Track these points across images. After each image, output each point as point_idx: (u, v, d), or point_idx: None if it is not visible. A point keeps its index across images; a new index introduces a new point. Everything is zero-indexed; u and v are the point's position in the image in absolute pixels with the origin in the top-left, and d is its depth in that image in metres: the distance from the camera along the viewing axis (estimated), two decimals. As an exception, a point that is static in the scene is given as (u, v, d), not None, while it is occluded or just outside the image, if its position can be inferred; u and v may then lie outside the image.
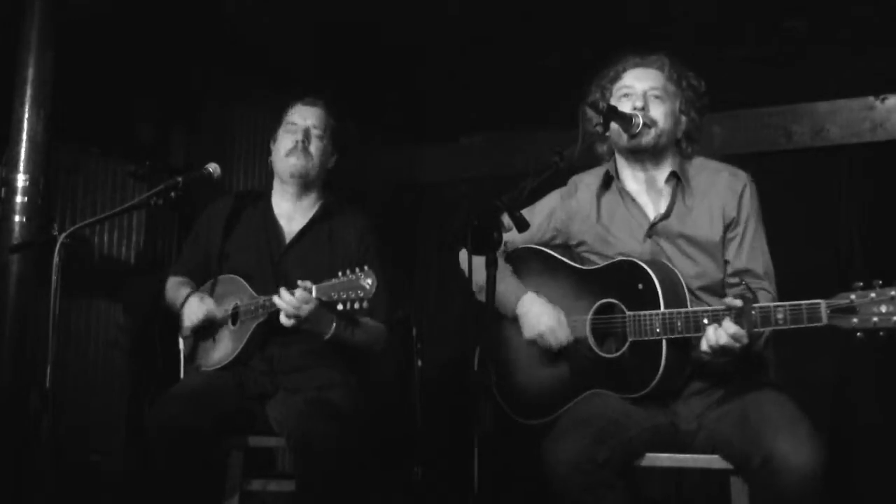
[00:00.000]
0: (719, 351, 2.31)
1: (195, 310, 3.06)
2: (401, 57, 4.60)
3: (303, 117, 3.17)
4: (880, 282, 2.11)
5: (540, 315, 2.62)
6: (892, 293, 2.08)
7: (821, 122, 4.35)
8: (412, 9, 4.15)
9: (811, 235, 4.12)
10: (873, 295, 2.10)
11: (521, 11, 4.15)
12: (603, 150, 2.79)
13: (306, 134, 3.13)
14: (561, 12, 4.10)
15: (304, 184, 3.16)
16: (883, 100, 4.23)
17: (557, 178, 2.60)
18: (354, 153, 3.45)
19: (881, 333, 2.09)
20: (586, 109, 2.54)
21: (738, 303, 2.28)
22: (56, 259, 2.79)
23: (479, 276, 2.22)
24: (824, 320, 2.15)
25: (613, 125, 2.59)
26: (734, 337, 2.28)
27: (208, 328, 3.11)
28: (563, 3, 4.03)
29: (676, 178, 2.64)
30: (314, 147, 3.14)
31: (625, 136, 2.60)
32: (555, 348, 2.60)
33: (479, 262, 2.17)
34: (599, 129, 2.51)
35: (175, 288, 3.22)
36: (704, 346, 2.33)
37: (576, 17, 4.12)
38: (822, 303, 2.16)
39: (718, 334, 2.29)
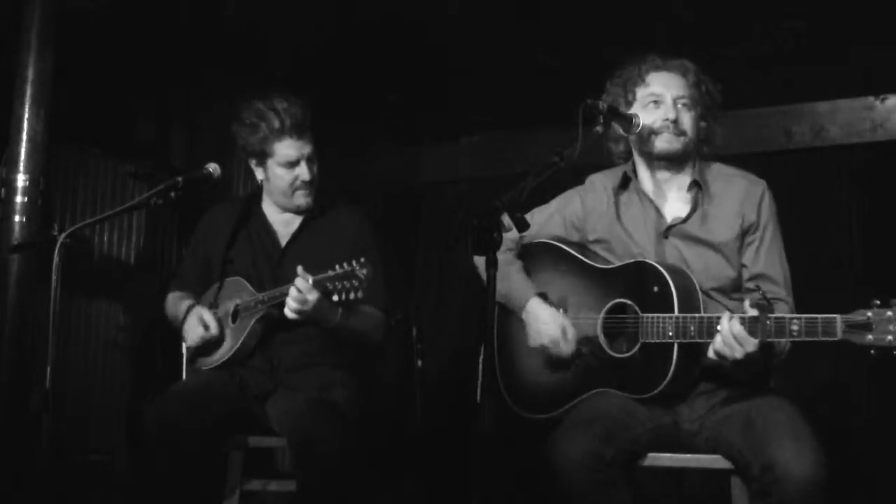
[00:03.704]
0: (724, 352, 2.30)
1: (194, 328, 3.05)
2: (401, 57, 4.60)
3: (298, 150, 3.04)
4: None
5: (543, 325, 2.63)
6: None
7: (821, 122, 4.34)
8: (412, 9, 4.15)
9: (811, 236, 4.11)
10: (890, 313, 2.10)
11: (520, 11, 4.15)
12: (619, 150, 2.79)
13: (309, 168, 3.06)
14: (561, 12, 4.10)
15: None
16: (883, 100, 4.22)
17: (557, 179, 2.60)
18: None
19: (894, 352, 2.09)
20: (586, 110, 2.53)
21: (754, 312, 2.28)
22: (56, 259, 2.79)
23: (498, 283, 2.20)
24: (839, 335, 2.15)
25: (616, 126, 2.60)
26: (738, 339, 2.28)
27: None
28: (562, 3, 4.04)
29: (698, 186, 2.64)
30: (315, 170, 3.10)
31: (634, 139, 2.61)
32: (554, 359, 2.61)
33: (482, 261, 2.17)
34: (600, 129, 2.51)
35: (175, 303, 3.22)
36: (710, 352, 2.34)
37: (575, 17, 4.12)
38: (839, 318, 2.16)
39: (724, 336, 2.30)
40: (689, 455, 2.51)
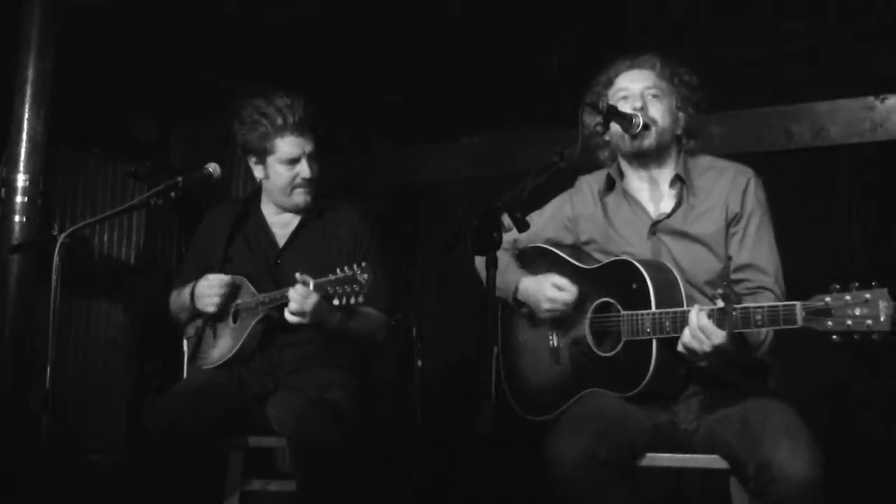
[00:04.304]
0: (693, 345, 2.30)
1: (207, 291, 3.02)
2: (401, 57, 4.60)
3: (300, 147, 3.04)
4: (856, 284, 2.08)
5: (537, 290, 2.64)
6: (867, 296, 2.05)
7: (821, 122, 4.35)
8: (412, 9, 4.15)
9: (811, 235, 4.12)
10: (848, 298, 2.07)
11: (521, 11, 4.15)
12: (605, 155, 2.80)
13: (311, 167, 3.06)
14: (561, 12, 4.10)
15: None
16: (883, 100, 4.23)
17: (557, 179, 2.61)
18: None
19: (856, 336, 2.06)
20: (586, 110, 2.54)
21: (720, 304, 2.27)
22: (56, 259, 2.79)
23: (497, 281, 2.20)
24: (799, 322, 2.13)
25: (614, 126, 2.61)
26: (705, 331, 2.27)
27: (211, 326, 3.10)
28: (563, 3, 4.04)
29: (681, 181, 2.65)
30: (316, 169, 3.09)
31: (627, 140, 2.61)
32: (568, 309, 2.60)
33: (483, 262, 2.18)
34: (600, 129, 2.51)
35: (177, 295, 3.21)
36: (679, 345, 2.34)
37: (576, 17, 4.12)
38: (798, 304, 2.14)
39: (690, 328, 2.29)
40: (687, 455, 2.51)
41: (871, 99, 4.25)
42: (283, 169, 3.06)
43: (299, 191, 3.09)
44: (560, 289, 2.60)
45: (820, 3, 3.84)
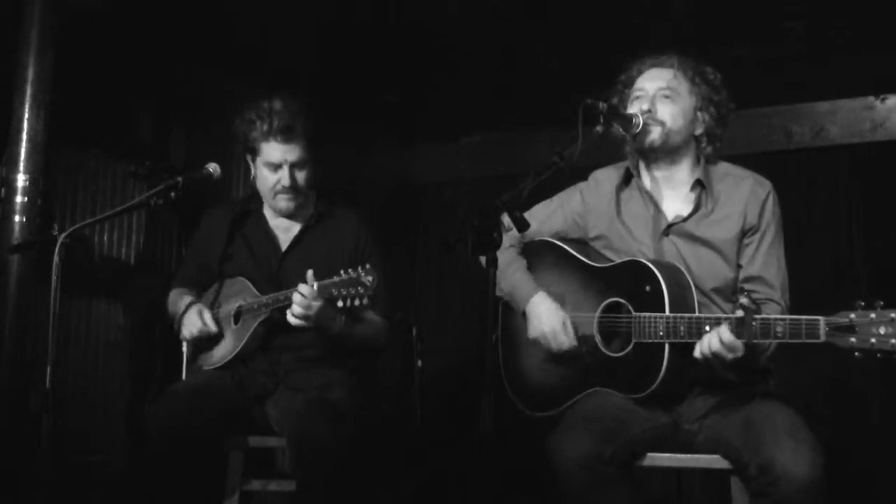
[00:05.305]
0: (711, 358, 2.31)
1: (194, 321, 3.04)
2: (401, 57, 4.60)
3: (283, 154, 3.01)
4: (882, 302, 2.08)
5: (544, 317, 2.63)
6: (893, 315, 2.05)
7: (821, 122, 4.34)
8: (412, 9, 4.15)
9: (811, 236, 4.11)
10: (873, 316, 2.07)
11: (521, 12, 4.15)
12: (625, 151, 2.79)
13: (291, 174, 3.02)
14: (561, 12, 4.10)
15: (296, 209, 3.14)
16: (883, 100, 4.22)
17: (557, 178, 2.61)
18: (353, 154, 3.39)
19: (878, 355, 2.07)
20: (586, 110, 2.54)
21: (740, 313, 2.28)
22: (56, 259, 2.78)
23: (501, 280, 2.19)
24: (822, 337, 2.14)
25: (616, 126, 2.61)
26: (727, 346, 2.28)
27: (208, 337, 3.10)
28: (563, 4, 4.04)
29: (701, 186, 2.64)
30: (301, 177, 3.06)
31: (629, 140, 2.62)
32: (554, 351, 2.61)
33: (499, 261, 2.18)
34: (600, 129, 2.51)
35: (176, 300, 3.22)
36: (697, 352, 2.34)
37: (576, 17, 4.12)
38: (822, 320, 2.15)
39: (711, 341, 2.29)
40: (688, 455, 2.52)
41: (871, 99, 4.24)
42: (267, 172, 3.05)
43: (281, 196, 3.07)
44: (566, 332, 2.60)
45: (820, 3, 3.83)
